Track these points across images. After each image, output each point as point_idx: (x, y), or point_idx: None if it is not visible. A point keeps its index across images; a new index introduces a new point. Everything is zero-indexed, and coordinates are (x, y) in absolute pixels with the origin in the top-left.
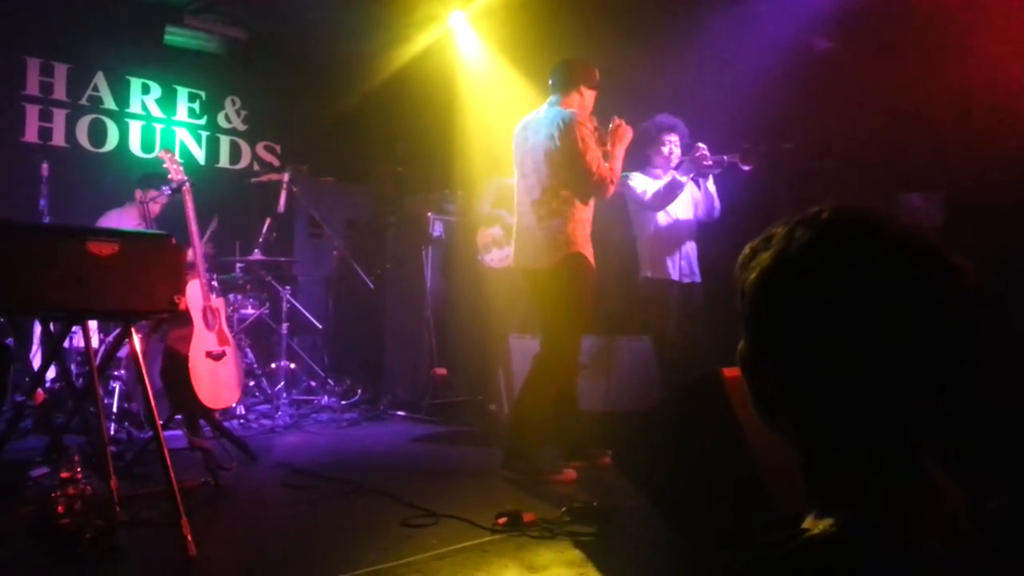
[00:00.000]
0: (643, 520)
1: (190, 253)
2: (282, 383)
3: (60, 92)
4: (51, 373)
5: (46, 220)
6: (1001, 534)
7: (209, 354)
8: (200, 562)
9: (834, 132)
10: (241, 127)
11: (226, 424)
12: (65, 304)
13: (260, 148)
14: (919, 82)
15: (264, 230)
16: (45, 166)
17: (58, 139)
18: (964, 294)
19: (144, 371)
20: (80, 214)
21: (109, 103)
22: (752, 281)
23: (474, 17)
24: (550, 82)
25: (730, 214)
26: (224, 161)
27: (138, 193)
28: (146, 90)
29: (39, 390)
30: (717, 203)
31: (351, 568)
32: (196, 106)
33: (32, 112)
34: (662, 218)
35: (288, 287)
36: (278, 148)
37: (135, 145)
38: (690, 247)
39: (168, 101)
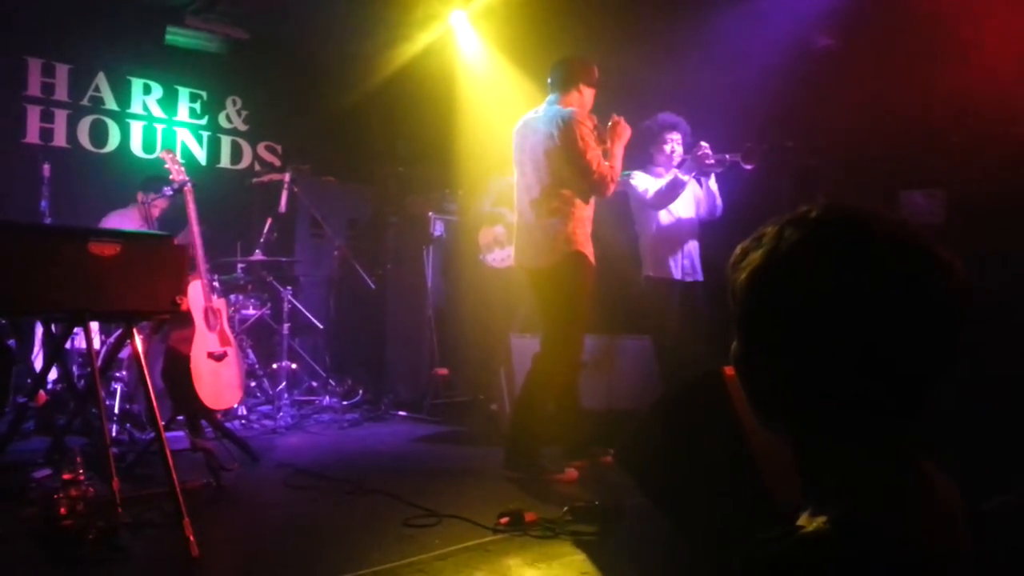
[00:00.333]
0: (645, 519)
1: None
2: (284, 384)
3: (61, 93)
4: (53, 374)
5: (48, 221)
6: (999, 533)
7: (211, 355)
8: (202, 563)
9: (836, 130)
10: (242, 127)
11: (228, 425)
12: (67, 305)
13: (261, 148)
14: (921, 80)
15: (265, 230)
16: (46, 167)
17: (59, 140)
18: (954, 290)
19: (146, 372)
20: (82, 215)
21: (110, 103)
22: (742, 281)
23: (474, 16)
24: (549, 80)
25: (732, 213)
26: (225, 161)
27: (140, 195)
28: (147, 90)
29: (41, 391)
30: (719, 202)
31: (353, 568)
32: (197, 106)
33: (33, 113)
34: (664, 217)
35: (289, 287)
36: (279, 148)
37: (136, 146)
38: (692, 246)
39: (169, 101)
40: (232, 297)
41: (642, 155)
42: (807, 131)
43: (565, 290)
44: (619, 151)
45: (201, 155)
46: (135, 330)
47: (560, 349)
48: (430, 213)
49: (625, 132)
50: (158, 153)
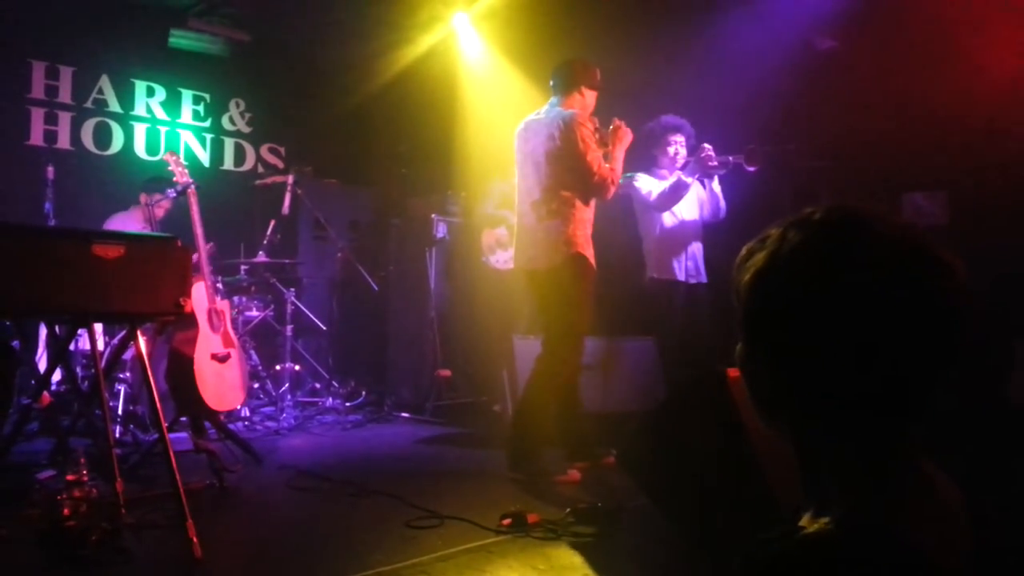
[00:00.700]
0: (647, 520)
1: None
2: (287, 385)
3: (65, 95)
4: (57, 376)
5: (51, 223)
6: (1002, 532)
7: (214, 356)
8: (206, 564)
9: (838, 132)
10: (245, 129)
11: (231, 426)
12: (71, 307)
13: (264, 150)
14: (922, 82)
15: (268, 232)
16: (50, 169)
17: (63, 142)
18: (956, 292)
19: (150, 373)
20: (85, 217)
21: (114, 106)
22: (746, 281)
23: (477, 18)
24: (551, 83)
25: (735, 215)
26: (228, 163)
27: (143, 196)
28: (151, 93)
29: (45, 393)
30: (723, 204)
31: (356, 569)
32: (200, 108)
33: (37, 115)
34: (668, 219)
35: (292, 289)
36: (282, 150)
37: (140, 148)
38: (696, 248)
39: (173, 104)
40: (235, 299)
41: (646, 157)
42: (809, 133)
43: (566, 292)
44: (620, 154)
45: (204, 157)
46: (139, 332)
47: (561, 351)
48: (433, 215)
49: (626, 136)
50: (162, 155)
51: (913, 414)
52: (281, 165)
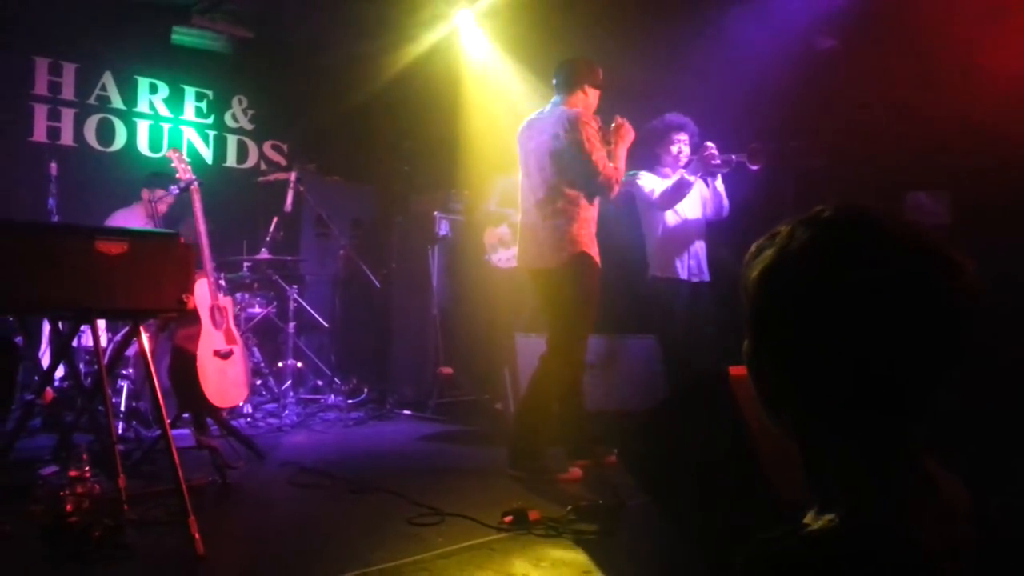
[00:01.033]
0: (648, 519)
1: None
2: (289, 382)
3: (68, 92)
4: (60, 372)
5: (55, 219)
6: (1004, 530)
7: (217, 353)
8: (208, 560)
9: (841, 131)
10: (248, 126)
11: (233, 423)
12: (74, 303)
13: (267, 147)
14: (926, 80)
15: (271, 229)
16: (53, 165)
17: (66, 138)
18: (963, 292)
19: (152, 370)
20: (89, 213)
21: (117, 102)
22: (754, 279)
23: (480, 16)
24: (554, 81)
25: (738, 213)
26: (231, 160)
27: (144, 192)
28: (154, 89)
29: (48, 389)
30: (726, 202)
31: (358, 566)
32: (203, 105)
33: (40, 112)
34: (671, 217)
35: (295, 286)
36: (285, 147)
37: (143, 144)
38: (699, 246)
39: (175, 100)
40: (238, 295)
41: (649, 156)
42: (812, 132)
43: (570, 291)
44: (622, 152)
45: (207, 154)
46: (142, 328)
47: (565, 349)
48: (435, 212)
49: (628, 134)
50: (164, 152)
51: (918, 413)
52: (284, 162)
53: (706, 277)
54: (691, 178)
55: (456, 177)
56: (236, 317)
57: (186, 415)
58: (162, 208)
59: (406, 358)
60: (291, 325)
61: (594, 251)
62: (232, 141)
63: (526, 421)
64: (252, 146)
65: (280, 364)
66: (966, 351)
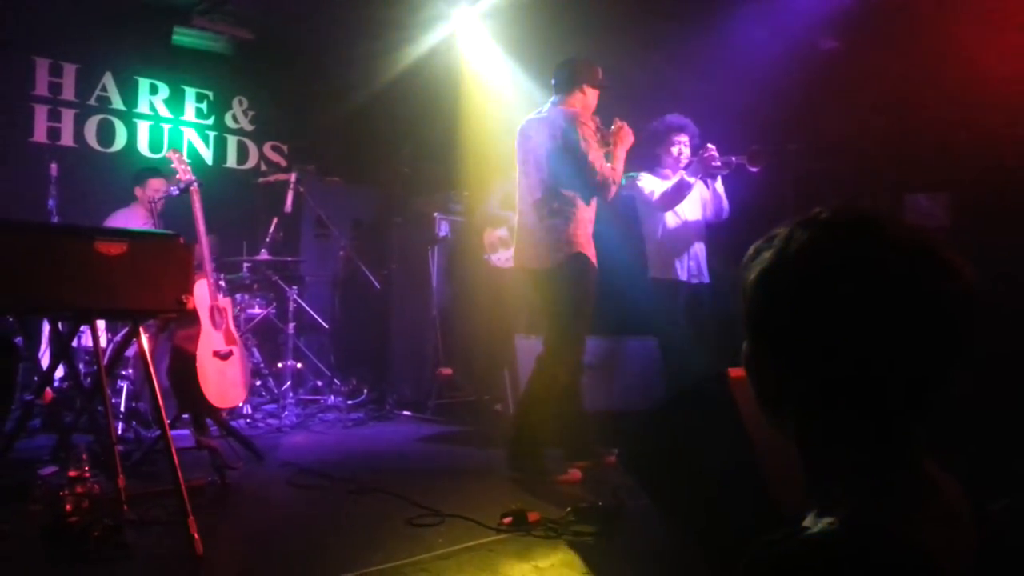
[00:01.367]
0: (647, 520)
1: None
2: (288, 383)
3: (69, 92)
4: (59, 372)
5: (55, 220)
6: (1007, 533)
7: (216, 353)
8: (207, 560)
9: (841, 133)
10: (248, 127)
11: (233, 423)
12: (73, 304)
13: (267, 148)
14: (925, 83)
15: (271, 230)
16: (54, 166)
17: (67, 139)
18: (963, 293)
19: (152, 370)
20: (89, 214)
21: (117, 103)
22: (753, 280)
23: (481, 17)
24: (553, 81)
25: (738, 215)
26: (231, 161)
27: (137, 191)
28: (154, 90)
29: (48, 389)
30: (726, 204)
31: (357, 567)
32: (204, 106)
33: (41, 112)
34: (671, 219)
35: (295, 287)
36: (285, 148)
37: (143, 145)
38: (699, 248)
39: (176, 101)
40: (238, 296)
41: (649, 157)
42: (812, 134)
43: (567, 291)
44: (621, 154)
45: (207, 155)
46: (141, 328)
47: (562, 350)
48: (435, 213)
49: (628, 137)
50: (165, 153)
51: (918, 415)
52: (284, 163)
53: (706, 279)
54: (691, 179)
55: (456, 178)
56: (236, 318)
57: (185, 416)
58: (155, 195)
59: (406, 359)
60: (291, 326)
61: (591, 252)
62: (232, 142)
63: (525, 422)
64: (252, 147)
65: (280, 365)
66: (965, 352)
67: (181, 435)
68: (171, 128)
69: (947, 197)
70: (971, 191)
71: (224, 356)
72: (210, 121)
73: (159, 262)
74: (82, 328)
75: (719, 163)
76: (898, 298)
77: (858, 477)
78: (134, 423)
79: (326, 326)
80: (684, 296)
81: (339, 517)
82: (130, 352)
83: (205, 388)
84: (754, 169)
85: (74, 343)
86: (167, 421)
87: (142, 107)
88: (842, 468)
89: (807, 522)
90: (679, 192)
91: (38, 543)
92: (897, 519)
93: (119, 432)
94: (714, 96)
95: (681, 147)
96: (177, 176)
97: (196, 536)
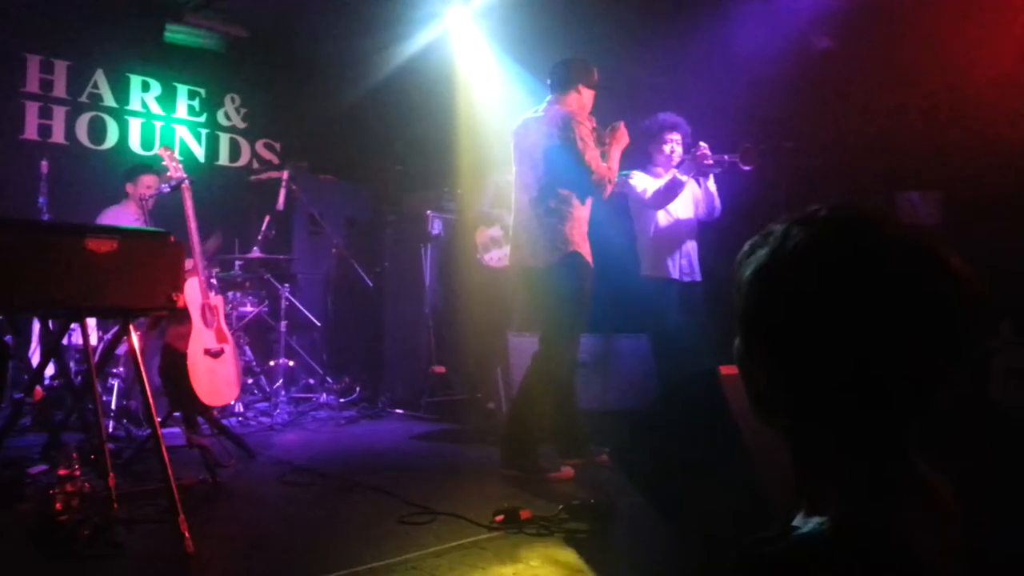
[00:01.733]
0: (640, 517)
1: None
2: (281, 381)
3: (60, 89)
4: (50, 370)
5: (45, 217)
6: (993, 533)
7: (208, 352)
8: (198, 559)
9: (833, 131)
10: (241, 125)
11: (224, 422)
12: (64, 302)
13: (260, 146)
14: (918, 81)
15: (263, 228)
16: (44, 163)
17: (58, 136)
18: (959, 295)
19: (143, 369)
20: (79, 211)
21: (109, 100)
22: (747, 278)
23: (474, 15)
24: (548, 81)
25: (730, 214)
26: (224, 159)
27: (129, 187)
28: (146, 87)
29: (38, 387)
30: (718, 202)
31: (349, 565)
32: (196, 103)
33: (32, 109)
34: (663, 217)
35: (287, 285)
36: (278, 146)
37: (135, 142)
38: (691, 246)
39: (168, 98)
40: (230, 294)
41: (641, 155)
42: (805, 132)
43: (562, 290)
44: (616, 154)
45: (199, 152)
46: (132, 327)
47: (557, 349)
48: (428, 211)
49: (624, 138)
50: (156, 150)
51: (912, 414)
52: (276, 161)
53: (698, 277)
54: (683, 178)
55: (449, 176)
56: (227, 316)
57: (177, 414)
58: (146, 192)
59: (398, 357)
60: (283, 324)
61: (586, 250)
62: (224, 139)
63: (518, 420)
64: (245, 144)
65: (272, 363)
66: (961, 352)
67: (172, 433)
68: (163, 125)
69: (939, 195)
70: (963, 189)
71: (215, 354)
72: (202, 118)
73: (150, 260)
74: (73, 326)
75: (711, 161)
76: (896, 297)
77: (850, 476)
78: (125, 421)
79: (318, 324)
80: (676, 294)
81: (331, 515)
82: (121, 350)
83: (196, 386)
84: (746, 167)
85: (64, 341)
86: (158, 419)
87: (134, 104)
88: (834, 467)
89: (797, 521)
90: (671, 190)
91: (28, 542)
92: (888, 519)
93: (110, 430)
94: (707, 94)
95: (673, 145)
96: (168, 174)
97: (187, 534)
